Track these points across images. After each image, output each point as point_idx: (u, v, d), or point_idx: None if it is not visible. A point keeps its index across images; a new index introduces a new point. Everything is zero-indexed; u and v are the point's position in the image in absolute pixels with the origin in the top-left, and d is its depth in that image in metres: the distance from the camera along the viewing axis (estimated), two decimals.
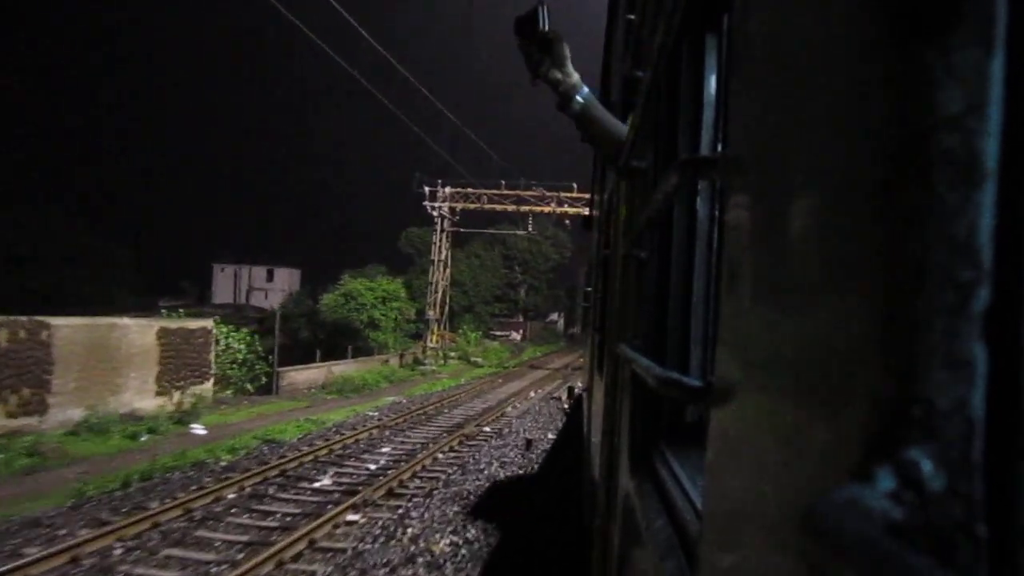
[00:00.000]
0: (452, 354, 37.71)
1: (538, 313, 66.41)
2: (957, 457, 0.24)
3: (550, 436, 14.46)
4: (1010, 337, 0.23)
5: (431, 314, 31.55)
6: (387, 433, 14.62)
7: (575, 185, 30.43)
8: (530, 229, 32.18)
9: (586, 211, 29.36)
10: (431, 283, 32.01)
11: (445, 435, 14.49)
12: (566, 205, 30.27)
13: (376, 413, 17.54)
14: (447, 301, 33.15)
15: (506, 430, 15.39)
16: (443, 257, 31.86)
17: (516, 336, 59.74)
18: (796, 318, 0.40)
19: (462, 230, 32.80)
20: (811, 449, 0.35)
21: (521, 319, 63.55)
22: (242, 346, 20.68)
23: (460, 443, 13.75)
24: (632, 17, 1.99)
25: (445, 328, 32.99)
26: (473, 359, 36.91)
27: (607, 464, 2.08)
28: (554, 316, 72.87)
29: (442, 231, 31.33)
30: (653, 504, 1.09)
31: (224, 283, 66.56)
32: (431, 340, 31.11)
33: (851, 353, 0.31)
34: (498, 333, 56.49)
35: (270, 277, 68.54)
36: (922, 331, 0.25)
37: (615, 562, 1.63)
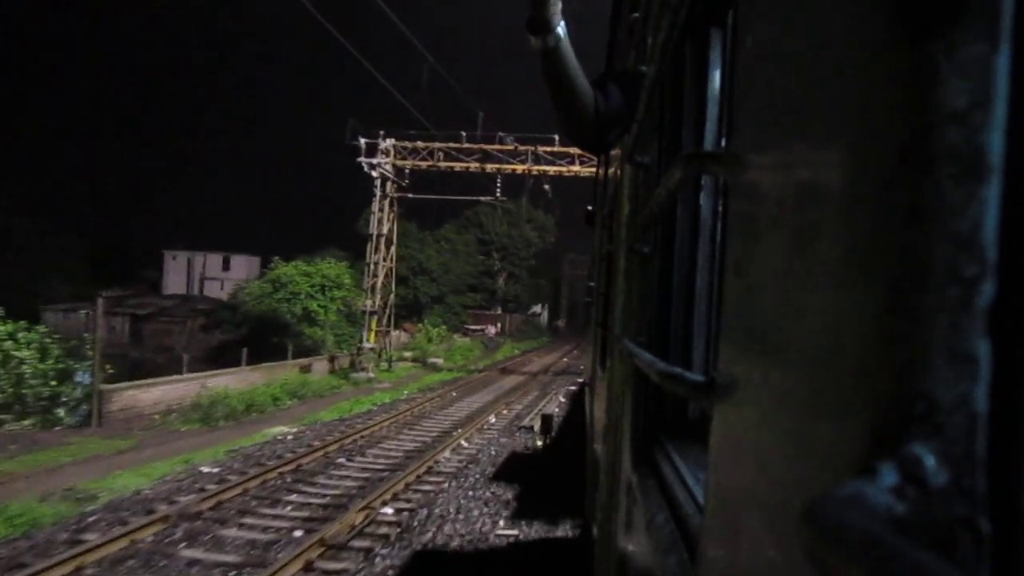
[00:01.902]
0: (406, 354, 30.70)
1: (519, 305, 59.48)
2: (960, 452, 0.24)
3: (500, 527, 7.62)
4: (1013, 333, 0.23)
5: (368, 305, 24.37)
6: (166, 542, 7.48)
7: (556, 138, 23.43)
8: (498, 195, 25.28)
9: (573, 169, 21.91)
10: (368, 264, 24.78)
11: (283, 545, 7.42)
12: (544, 163, 23.37)
13: (216, 469, 10.54)
14: (393, 288, 25.96)
15: (422, 515, 8.46)
16: (385, 231, 24.72)
17: (493, 330, 52.82)
18: (800, 313, 0.40)
19: (411, 196, 25.70)
20: (814, 444, 0.36)
21: (499, 311, 56.58)
22: (25, 353, 13.42)
23: None
24: (636, 15, 1.96)
25: (389, 322, 25.87)
26: (431, 360, 29.85)
27: (609, 458, 2.13)
28: (536, 308, 66.09)
29: (384, 196, 24.25)
30: (655, 498, 1.10)
31: (177, 272, 60.71)
32: (367, 339, 23.98)
33: (855, 348, 0.31)
34: (473, 327, 49.77)
35: (226, 265, 61.72)
36: (925, 326, 0.25)
37: (616, 556, 1.66)
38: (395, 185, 24.70)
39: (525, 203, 44.41)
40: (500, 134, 22.62)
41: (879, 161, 0.30)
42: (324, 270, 28.60)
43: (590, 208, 7.87)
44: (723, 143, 1.08)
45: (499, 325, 53.84)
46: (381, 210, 23.89)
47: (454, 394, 20.16)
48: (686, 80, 1.26)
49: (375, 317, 24.32)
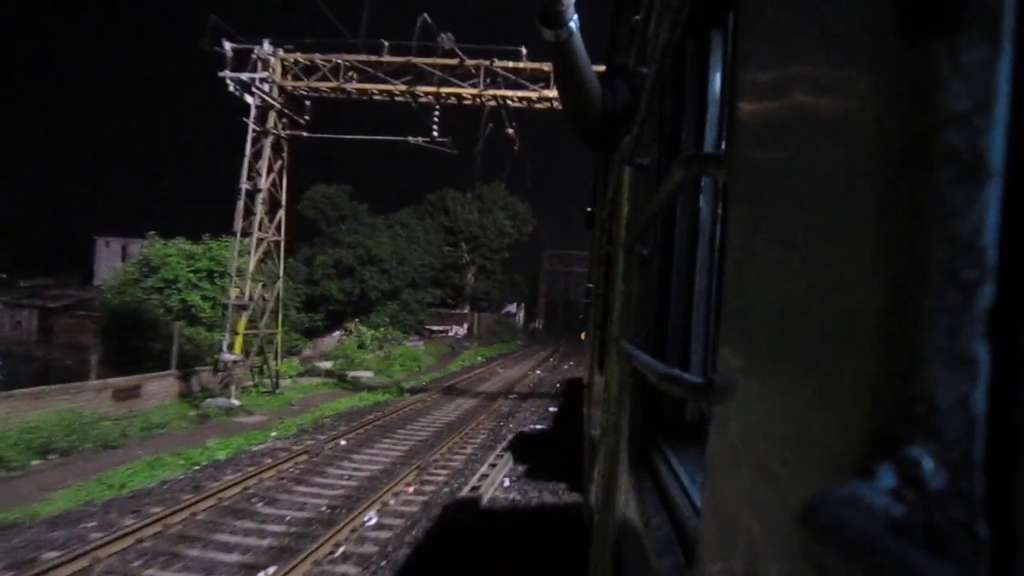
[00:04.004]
0: (323, 365, 22.81)
1: (491, 303, 51.52)
2: (958, 455, 0.24)
3: None
4: (1012, 336, 0.23)
5: (233, 296, 16.34)
6: None
7: (524, 50, 15.80)
8: (435, 134, 17.33)
9: (548, 95, 14.64)
10: (236, 234, 16.22)
11: None
12: (504, 87, 15.69)
13: None
14: (280, 273, 17.90)
15: None
16: (266, 185, 16.36)
17: (461, 331, 45.04)
18: (799, 316, 0.40)
19: (306, 135, 17.71)
20: (812, 445, 0.36)
21: (468, 310, 48.64)
22: None
23: None
24: (637, 17, 1.92)
25: (277, 321, 17.82)
26: (354, 375, 21.99)
27: (607, 460, 2.12)
28: (511, 307, 58.28)
29: (264, 134, 16.25)
30: (652, 501, 1.10)
31: (110, 261, 52.29)
32: (231, 346, 15.93)
33: (854, 350, 0.31)
34: (435, 328, 41.95)
35: None
36: (925, 328, 0.25)
37: (613, 558, 1.66)
38: (285, 119, 16.76)
39: (503, 193, 36.33)
40: (438, 34, 14.48)
41: (879, 163, 0.30)
42: (215, 251, 20.67)
43: (589, 210, 7.71)
44: (723, 145, 1.10)
45: (466, 326, 46.07)
46: (257, 155, 15.81)
47: (343, 443, 12.31)
48: (686, 82, 1.27)
49: (246, 314, 16.28)
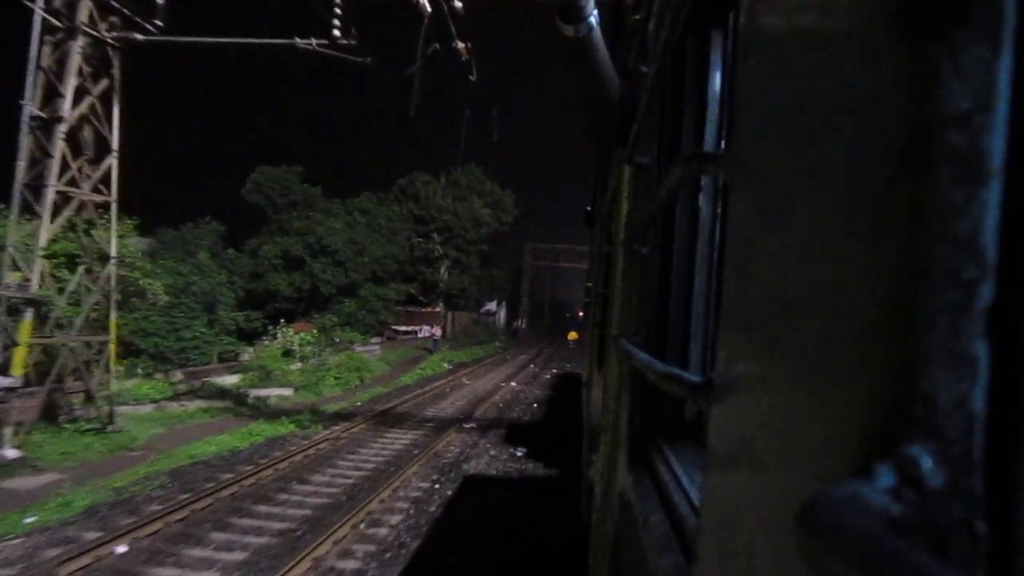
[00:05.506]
0: (223, 381, 17.26)
1: (469, 300, 45.93)
2: (957, 454, 0.24)
3: None
4: (1012, 334, 0.23)
5: (11, 284, 10.76)
6: None
7: None
8: (336, 33, 11.75)
9: None
10: (15, 188, 10.05)
11: None
12: None
13: None
14: (113, 248, 12.30)
15: None
16: (75, 111, 10.26)
17: (435, 331, 39.65)
18: (798, 315, 0.40)
19: (146, 38, 11.90)
20: (811, 444, 0.36)
21: (442, 308, 43.10)
22: None
23: None
24: (637, 17, 1.94)
25: (107, 323, 12.14)
26: (260, 394, 16.31)
27: (606, 459, 2.13)
28: (491, 306, 52.76)
29: (70, 32, 10.63)
30: (651, 499, 1.10)
31: None
32: (5, 367, 10.31)
33: (853, 349, 0.31)
34: (402, 328, 36.47)
35: None
36: (925, 327, 0.25)
37: (612, 556, 1.65)
38: (115, 17, 11.04)
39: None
40: None
41: (879, 162, 0.30)
42: (79, 227, 14.95)
43: (589, 208, 7.72)
44: (723, 144, 1.11)
45: (435, 325, 40.60)
46: (59, 62, 10.15)
47: (120, 550, 6.71)
48: (686, 80, 1.27)
49: (35, 310, 10.64)
